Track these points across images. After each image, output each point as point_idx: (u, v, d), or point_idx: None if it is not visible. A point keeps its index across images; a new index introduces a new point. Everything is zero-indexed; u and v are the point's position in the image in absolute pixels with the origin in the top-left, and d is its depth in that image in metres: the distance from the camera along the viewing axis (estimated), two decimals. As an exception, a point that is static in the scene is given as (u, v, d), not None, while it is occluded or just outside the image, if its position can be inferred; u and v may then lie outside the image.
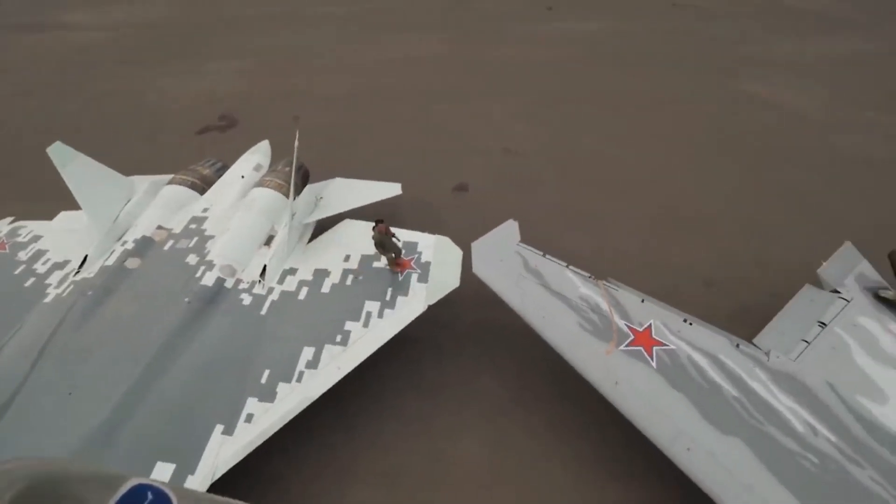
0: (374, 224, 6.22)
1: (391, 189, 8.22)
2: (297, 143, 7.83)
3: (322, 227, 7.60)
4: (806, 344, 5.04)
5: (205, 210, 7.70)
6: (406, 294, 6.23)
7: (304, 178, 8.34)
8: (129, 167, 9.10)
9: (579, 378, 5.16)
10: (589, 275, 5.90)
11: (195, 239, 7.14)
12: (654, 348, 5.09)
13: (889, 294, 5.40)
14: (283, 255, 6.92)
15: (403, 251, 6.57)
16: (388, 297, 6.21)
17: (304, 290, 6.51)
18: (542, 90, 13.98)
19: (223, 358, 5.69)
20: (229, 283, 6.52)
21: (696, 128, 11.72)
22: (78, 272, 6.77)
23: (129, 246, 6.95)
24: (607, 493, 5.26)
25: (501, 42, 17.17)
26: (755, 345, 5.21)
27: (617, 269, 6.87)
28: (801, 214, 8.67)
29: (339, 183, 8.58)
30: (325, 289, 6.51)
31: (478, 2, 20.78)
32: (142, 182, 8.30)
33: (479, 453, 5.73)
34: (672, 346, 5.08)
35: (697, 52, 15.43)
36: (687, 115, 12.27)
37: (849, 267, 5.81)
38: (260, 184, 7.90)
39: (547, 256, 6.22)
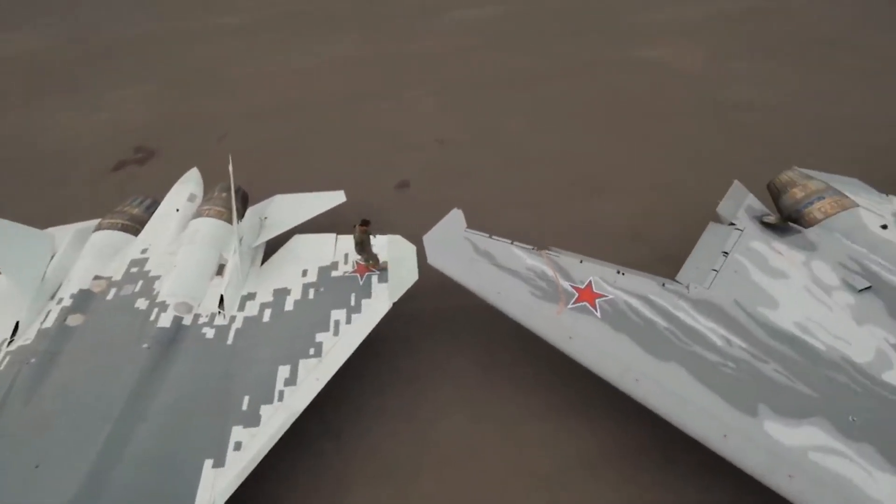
0: (358, 224, 6.44)
1: (335, 198, 8.35)
2: (231, 166, 7.71)
3: (272, 246, 7.60)
4: (715, 272, 6.00)
5: (144, 251, 7.41)
6: (370, 296, 6.50)
7: (243, 201, 8.23)
8: (40, 219, 8.45)
9: (539, 340, 5.77)
10: (532, 247, 6.50)
11: (140, 282, 6.90)
12: (597, 300, 5.81)
13: (771, 219, 6.53)
14: (239, 282, 6.89)
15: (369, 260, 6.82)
16: (353, 303, 6.44)
17: (268, 312, 6.57)
18: (460, 78, 14.46)
19: (198, 394, 5.67)
20: (188, 320, 6.42)
21: (597, 96, 12.78)
22: (11, 342, 6.31)
23: (67, 303, 6.58)
24: (581, 434, 5.98)
25: (413, 36, 17.38)
26: (677, 281, 6.09)
27: (555, 236, 7.58)
28: (698, 161, 9.92)
29: (280, 200, 8.56)
30: (289, 306, 6.61)
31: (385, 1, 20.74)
32: (63, 233, 7.77)
33: (463, 430, 6.21)
34: (611, 296, 5.82)
35: (588, 24, 16.61)
36: (588, 84, 13.30)
37: (739, 202, 6.89)
38: (199, 214, 7.70)
39: (493, 237, 6.74)
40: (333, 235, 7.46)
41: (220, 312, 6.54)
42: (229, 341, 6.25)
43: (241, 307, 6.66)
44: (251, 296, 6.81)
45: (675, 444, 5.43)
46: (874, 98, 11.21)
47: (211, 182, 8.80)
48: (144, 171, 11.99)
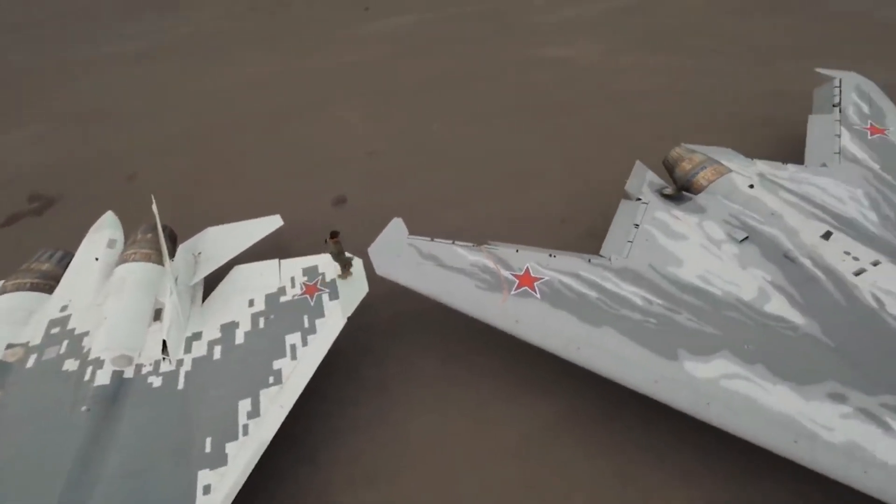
0: (329, 238, 6.39)
1: (271, 223, 8.24)
2: (154, 205, 7.33)
3: (212, 282, 7.35)
4: (630, 243, 6.85)
5: (63, 308, 6.84)
6: (323, 315, 6.56)
7: (172, 240, 7.86)
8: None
9: (490, 329, 6.24)
10: (472, 244, 6.95)
11: (65, 342, 6.38)
12: (535, 284, 6.40)
13: (668, 191, 7.56)
14: (181, 324, 6.62)
15: (319, 277, 6.87)
16: (306, 325, 6.47)
17: (218, 349, 6.40)
18: (381, 88, 14.71)
19: (154, 446, 5.42)
20: (129, 373, 6.08)
21: (512, 94, 13.68)
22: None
23: (-23, 380, 5.92)
24: (540, 406, 6.54)
25: (329, 49, 17.34)
26: (601, 255, 6.86)
27: (492, 230, 8.14)
28: (607, 146, 11.05)
29: (212, 233, 8.26)
30: (240, 339, 6.48)
31: (291, 13, 20.38)
32: (-44, 306, 6.92)
33: (434, 424, 6.51)
34: (547, 278, 6.43)
35: (495, 28, 17.65)
36: (502, 84, 14.19)
37: (642, 179, 7.86)
38: (123, 260, 7.24)
39: (435, 240, 7.10)
40: (276, 261, 7.39)
41: (164, 358, 6.26)
42: (180, 386, 6.01)
43: (188, 349, 6.41)
44: (197, 335, 6.57)
45: (618, 399, 6.20)
46: (738, 76, 13.15)
47: (128, 225, 8.27)
48: (44, 221, 10.86)
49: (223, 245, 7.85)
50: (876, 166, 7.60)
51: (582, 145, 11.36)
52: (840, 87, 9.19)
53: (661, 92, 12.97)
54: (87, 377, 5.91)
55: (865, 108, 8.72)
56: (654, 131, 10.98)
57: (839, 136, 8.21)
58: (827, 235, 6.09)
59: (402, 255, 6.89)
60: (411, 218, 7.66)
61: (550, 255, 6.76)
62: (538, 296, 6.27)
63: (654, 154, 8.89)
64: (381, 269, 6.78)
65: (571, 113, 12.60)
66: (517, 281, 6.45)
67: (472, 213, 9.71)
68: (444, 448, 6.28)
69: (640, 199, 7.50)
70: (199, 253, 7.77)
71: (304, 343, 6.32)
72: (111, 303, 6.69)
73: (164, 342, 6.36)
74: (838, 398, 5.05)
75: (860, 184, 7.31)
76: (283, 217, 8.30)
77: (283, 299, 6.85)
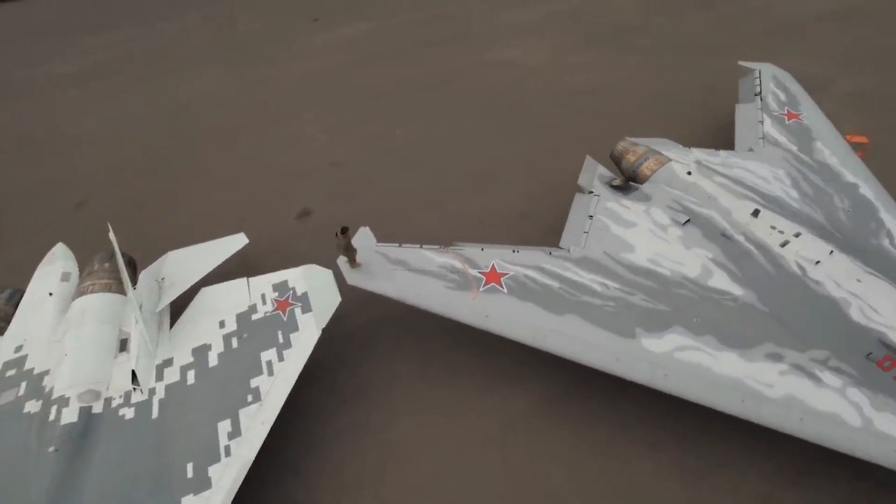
0: (339, 231, 6.44)
1: (235, 242, 8.14)
2: (112, 233, 7.12)
3: (179, 307, 7.21)
4: (586, 234, 7.31)
5: (18, 348, 6.53)
6: (297, 329, 6.60)
7: (132, 267, 7.64)
8: None
9: (462, 326, 6.50)
10: (439, 246, 7.19)
11: (23, 384, 6.11)
12: (502, 279, 6.72)
13: (617, 182, 8.10)
14: (150, 352, 6.47)
15: (290, 291, 6.91)
16: (281, 340, 6.50)
17: (191, 374, 6.31)
18: (339, 98, 14.75)
19: (130, 481, 5.30)
20: (98, 407, 5.90)
21: (467, 97, 14.10)
22: None
23: (-71, 432, 5.58)
24: (515, 396, 6.86)
25: (282, 61, 17.17)
26: (561, 247, 7.28)
27: (457, 230, 8.43)
28: (560, 143, 11.61)
29: (175, 256, 8.07)
30: (213, 362, 6.42)
31: (239, 28, 19.99)
32: None
33: (415, 424, 6.70)
34: (512, 273, 6.77)
35: (448, 34, 18.07)
36: (458, 88, 14.59)
37: (593, 172, 8.39)
38: (81, 293, 6.98)
39: (403, 246, 7.28)
40: (244, 280, 7.34)
41: (135, 389, 6.11)
42: (154, 415, 5.89)
43: (160, 376, 6.28)
44: (168, 362, 6.44)
45: (587, 380, 6.61)
46: (673, 71, 14.12)
47: (81, 256, 7.97)
48: (-16, 258, 10.19)
49: (187, 268, 7.70)
50: (794, 148, 8.47)
51: (537, 143, 11.87)
52: (760, 77, 10.13)
53: (605, 89, 13.74)
54: (52, 417, 5.69)
55: (782, 96, 9.67)
56: (602, 126, 11.62)
57: (762, 122, 9.07)
58: (756, 213, 6.77)
59: (371, 262, 7.03)
60: (378, 225, 7.82)
61: (514, 251, 7.11)
62: (505, 290, 6.60)
63: (603, 148, 9.45)
64: (352, 279, 6.90)
65: (525, 112, 13.13)
66: (484, 278, 6.75)
67: (438, 216, 9.96)
68: (427, 447, 6.47)
69: (592, 192, 7.99)
70: (163, 278, 7.59)
71: (281, 358, 6.34)
72: (71, 338, 6.44)
73: (134, 372, 6.20)
74: (775, 357, 5.65)
75: (782, 164, 8.13)
76: (247, 234, 8.23)
77: (254, 317, 6.83)
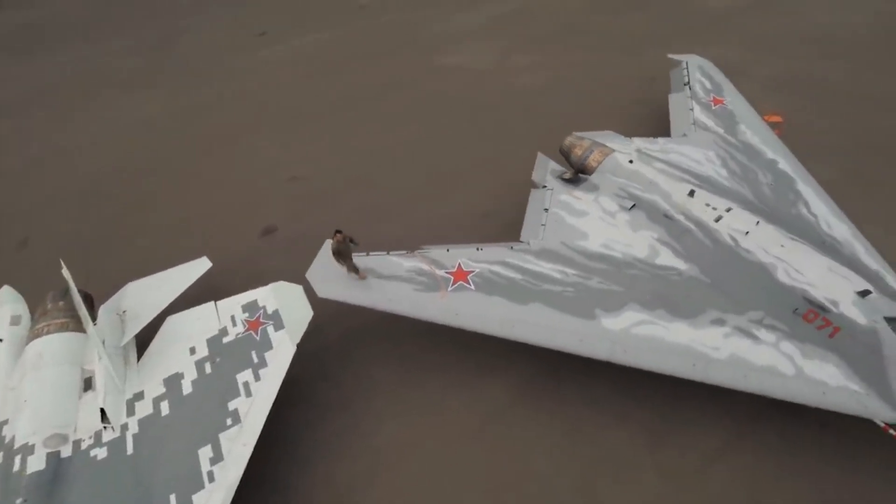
0: (333, 234, 6.48)
1: (199, 266, 8.03)
2: (65, 270, 6.86)
3: (143, 338, 7.04)
4: (543, 226, 7.75)
5: (-30, 401, 6.18)
6: (271, 347, 6.63)
7: (89, 302, 7.37)
8: None
9: (435, 326, 6.74)
10: (406, 251, 7.41)
11: (-19, 437, 5.80)
12: (468, 277, 7.02)
13: (567, 175, 8.62)
14: (118, 388, 6.31)
15: (261, 310, 6.90)
16: (256, 360, 6.50)
17: (165, 404, 6.21)
18: (294, 111, 14.65)
19: (110, 519, 5.20)
20: (67, 451, 5.71)
21: (422, 102, 14.38)
22: None
23: None
24: (492, 387, 7.16)
25: (230, 78, 16.80)
26: (521, 241, 7.67)
27: (423, 234, 8.64)
28: (513, 142, 12.08)
29: (135, 287, 7.86)
30: (187, 389, 6.34)
31: (181, 47, 19.37)
32: None
33: (399, 427, 6.87)
34: (478, 270, 7.09)
35: (397, 42, 18.29)
36: (412, 94, 14.85)
37: (545, 168, 8.87)
38: (35, 335, 6.69)
39: (370, 254, 7.45)
40: (212, 304, 7.27)
41: (106, 427, 5.94)
42: (129, 451, 5.77)
43: (131, 411, 6.14)
44: (139, 395, 6.31)
45: (557, 364, 7.02)
46: (613, 66, 14.97)
47: (30, 297, 7.61)
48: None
49: (150, 298, 7.52)
50: (721, 131, 9.28)
51: (491, 143, 12.29)
52: (687, 68, 11.00)
53: (552, 87, 14.38)
54: (16, 467, 5.46)
55: (707, 84, 10.55)
56: (551, 123, 12.18)
57: (692, 109, 9.87)
58: (692, 193, 7.41)
59: (339, 274, 7.14)
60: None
61: (478, 249, 7.43)
62: (472, 287, 6.90)
63: (553, 143, 9.96)
64: (322, 292, 6.99)
65: (478, 114, 13.54)
66: (452, 278, 7.02)
67: (403, 222, 10.15)
68: (414, 447, 6.65)
69: (545, 187, 8.45)
70: (125, 311, 7.38)
71: (257, 378, 6.35)
72: (29, 383, 6.18)
73: (103, 410, 6.03)
74: (719, 322, 6.25)
75: (712, 147, 8.91)
76: (210, 257, 8.13)
77: (226, 340, 6.78)
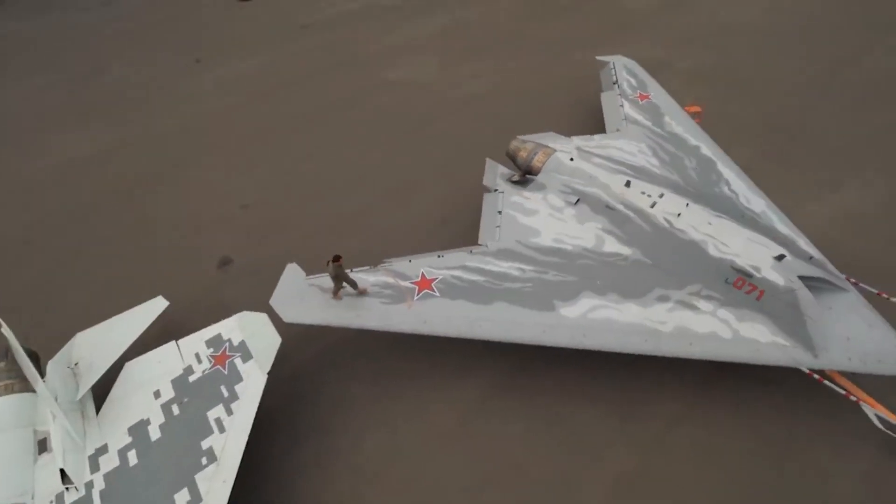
0: (330, 260, 6.55)
1: (154, 306, 7.75)
2: (4, 327, 6.43)
3: (101, 389, 6.71)
4: (498, 228, 8.13)
5: None
6: (241, 379, 6.53)
7: (34, 359, 6.93)
8: None
9: (405, 336, 6.90)
10: (368, 266, 7.53)
11: (-76, 521, 5.33)
12: (433, 284, 7.24)
13: (516, 177, 9.09)
14: (78, 445, 5.99)
15: (226, 344, 6.80)
16: (226, 394, 6.38)
17: (132, 454, 5.96)
18: (238, 138, 14.36)
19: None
20: (27, 519, 5.36)
21: (370, 119, 14.53)
22: None
23: None
24: (465, 389, 7.39)
25: (169, 107, 16.21)
26: (480, 244, 8.00)
27: (384, 246, 8.80)
28: (463, 149, 12.51)
29: (85, 337, 7.46)
30: (155, 435, 6.12)
31: (111, 78, 18.48)
32: None
33: (384, 439, 6.94)
34: (441, 276, 7.33)
35: (337, 60, 18.39)
36: (358, 112, 15.00)
37: (494, 172, 9.30)
38: (-24, 401, 6.22)
39: (333, 274, 7.50)
40: (172, 343, 7.06)
41: (68, 488, 5.63)
42: (98, 508, 5.50)
43: (95, 467, 5.85)
44: (102, 449, 6.01)
45: (527, 357, 7.38)
46: (549, 70, 15.84)
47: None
48: None
49: (104, 346, 7.17)
50: (649, 124, 10.11)
51: (441, 152, 12.66)
52: (614, 68, 11.88)
53: (493, 94, 15.01)
54: (-29, 545, 5.07)
55: (633, 82, 11.45)
56: (496, 128, 12.74)
57: (622, 106, 10.68)
58: (628, 184, 8.04)
59: (304, 297, 7.16)
60: (305, 259, 7.95)
61: (439, 256, 7.67)
62: (437, 294, 7.12)
63: (500, 148, 10.45)
64: (289, 317, 6.97)
65: (425, 125, 13.90)
66: (417, 287, 7.22)
67: (362, 238, 10.25)
68: (397, 456, 6.75)
69: (497, 190, 8.86)
70: (76, 363, 7.00)
71: (230, 412, 6.23)
72: (-25, 453, 5.74)
73: (62, 471, 5.70)
74: (663, 298, 6.83)
75: (643, 139, 9.69)
76: (166, 295, 7.87)
77: (192, 378, 6.61)
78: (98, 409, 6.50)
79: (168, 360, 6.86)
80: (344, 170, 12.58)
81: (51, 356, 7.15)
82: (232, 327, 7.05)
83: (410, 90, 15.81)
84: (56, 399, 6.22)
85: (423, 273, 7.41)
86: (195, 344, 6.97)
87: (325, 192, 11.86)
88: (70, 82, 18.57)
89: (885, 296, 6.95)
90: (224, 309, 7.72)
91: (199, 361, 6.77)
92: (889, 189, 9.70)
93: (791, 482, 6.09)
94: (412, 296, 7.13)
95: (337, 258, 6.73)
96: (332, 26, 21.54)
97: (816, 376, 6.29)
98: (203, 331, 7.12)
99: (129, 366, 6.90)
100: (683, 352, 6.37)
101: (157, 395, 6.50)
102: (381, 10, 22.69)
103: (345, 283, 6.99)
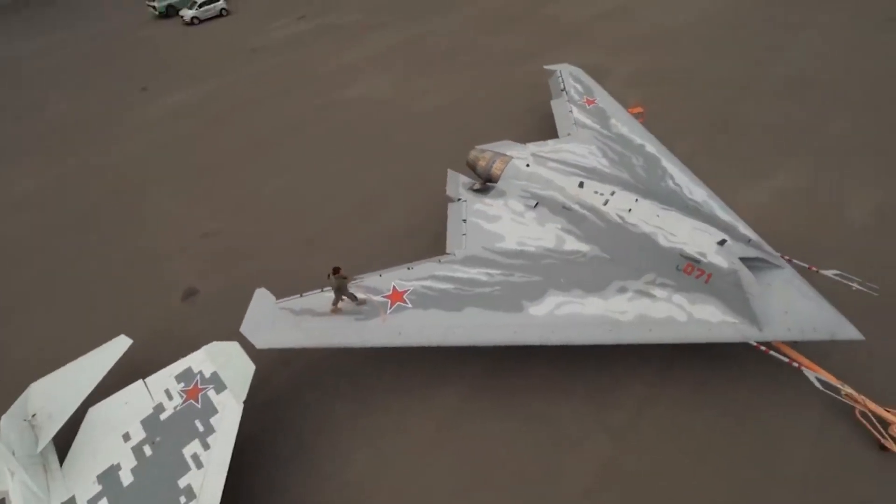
0: (331, 273, 6.67)
1: (117, 346, 7.48)
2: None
3: (64, 439, 6.39)
4: (464, 236, 8.38)
5: None
6: (216, 411, 6.39)
7: (-15, 416, 6.52)
8: None
9: (383, 351, 6.97)
10: (339, 285, 7.57)
11: None
12: (405, 296, 7.37)
13: (477, 185, 9.42)
14: (41, 499, 5.67)
15: (198, 377, 6.66)
16: (202, 428, 6.24)
17: (104, 502, 5.71)
18: (193, 165, 14.07)
19: None
20: (-10, 587, 5.02)
21: (331, 137, 14.64)
22: None
23: None
24: (445, 395, 7.52)
25: (115, 138, 15.66)
26: (448, 253, 8.21)
27: (354, 261, 8.84)
28: (427, 159, 12.77)
29: (41, 387, 7.10)
30: (127, 480, 5.89)
31: (50, 112, 17.64)
32: None
33: (368, 456, 6.94)
34: (411, 288, 7.47)
35: (294, 81, 18.40)
36: (319, 131, 15.08)
37: (456, 182, 9.59)
38: (-78, 468, 5.78)
39: (304, 295, 7.49)
40: (139, 382, 6.83)
41: (34, 547, 5.33)
42: (70, 564, 5.23)
43: (63, 521, 5.56)
44: (69, 502, 5.72)
45: (500, 359, 7.60)
46: (502, 80, 16.44)
47: None
48: None
49: (62, 393, 6.84)
50: (597, 126, 10.73)
51: (404, 165, 12.86)
52: (561, 76, 12.53)
53: (450, 106, 15.43)
54: None
55: (580, 88, 12.12)
56: (455, 139, 13.09)
57: (571, 111, 11.28)
58: (581, 185, 8.51)
59: (276, 321, 7.11)
60: (274, 283, 7.90)
61: (409, 268, 7.82)
62: (410, 305, 7.26)
63: (461, 158, 10.77)
64: (261, 343, 6.90)
65: (385, 140, 14.09)
66: (389, 300, 7.33)
67: (330, 256, 10.19)
68: (384, 469, 6.77)
69: (460, 199, 9.14)
70: (34, 415, 6.63)
71: (206, 447, 6.09)
72: (-75, 524, 5.34)
73: (27, 530, 5.40)
74: (622, 290, 7.25)
75: (592, 141, 10.26)
76: (129, 333, 7.61)
77: (164, 416, 6.41)
78: (62, 460, 6.18)
79: (136, 399, 6.63)
80: (307, 190, 12.55)
81: (4, 411, 6.77)
82: (202, 359, 6.91)
83: (368, 106, 16.01)
84: (14, 454, 5.88)
85: (394, 286, 7.52)
86: (164, 380, 6.78)
87: (289, 213, 11.78)
88: (6, 119, 17.61)
89: (814, 269, 7.66)
90: (192, 341, 7.53)
91: (170, 398, 6.58)
92: (812, 173, 10.70)
93: (751, 444, 6.58)
94: (385, 309, 7.23)
95: (337, 270, 6.86)
96: (283, 48, 21.53)
97: (763, 348, 6.84)
98: (172, 366, 6.94)
99: (93, 411, 6.62)
100: (644, 338, 6.78)
101: (126, 437, 6.26)
102: (333, 30, 22.91)
103: (343, 297, 7.08)
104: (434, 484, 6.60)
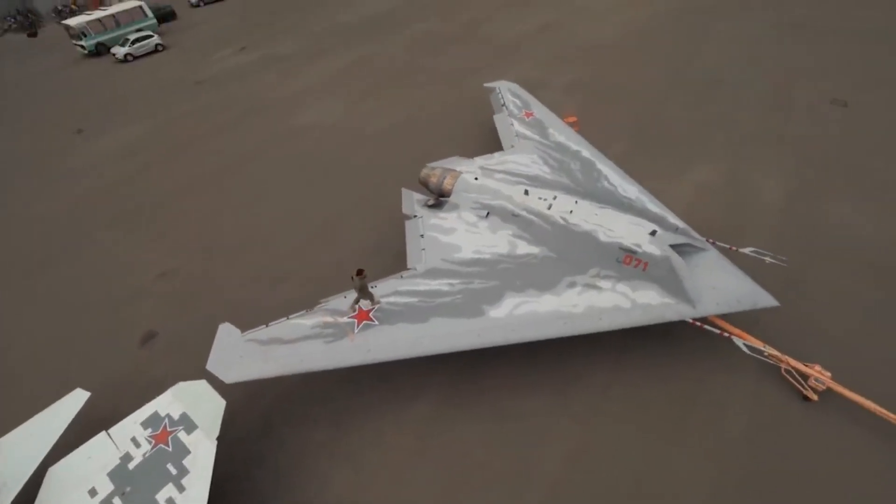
0: (354, 274, 6.95)
1: (74, 400, 7.20)
2: None
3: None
4: (423, 250, 8.76)
5: None
6: (189, 451, 6.32)
7: (-69, 493, 6.09)
8: None
9: (356, 369, 7.14)
10: (304, 311, 7.70)
11: None
12: (370, 314, 7.61)
13: (431, 201, 9.87)
14: (4, 571, 5.38)
15: (165, 420, 6.57)
16: (175, 471, 6.14)
17: (74, 563, 5.50)
18: (139, 206, 13.67)
19: None
20: None
21: (287, 164, 14.74)
22: None
23: None
24: (419, 407, 7.77)
25: (54, 183, 14.92)
26: (409, 268, 8.55)
27: (318, 286, 9.00)
28: (383, 179, 13.13)
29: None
30: (98, 537, 5.70)
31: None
32: None
33: (349, 476, 7.05)
34: (377, 305, 7.73)
35: (244, 109, 18.34)
36: (274, 159, 15.13)
37: (411, 200, 10.00)
38: None
39: (270, 324, 7.57)
40: (103, 434, 6.62)
41: None
42: None
43: (30, 590, 5.29)
44: (35, 569, 5.46)
45: (470, 364, 7.97)
46: (447, 98, 17.19)
47: None
48: None
49: (17, 456, 6.51)
50: (537, 137, 11.55)
51: (361, 186, 13.17)
52: (500, 92, 13.37)
53: (399, 126, 15.95)
54: None
55: (518, 102, 12.98)
56: (407, 157, 13.58)
57: (513, 125, 12.07)
58: (526, 192, 9.17)
59: (244, 354, 7.13)
60: (237, 317, 7.93)
61: (373, 287, 8.08)
62: (377, 322, 7.51)
63: (415, 176, 11.22)
64: (230, 378, 6.89)
65: (340, 164, 14.36)
66: (356, 320, 7.54)
67: (295, 282, 10.31)
68: (363, 489, 6.89)
69: (416, 216, 9.54)
70: (-14, 483, 6.26)
71: (181, 489, 6.00)
72: None
73: None
74: (572, 285, 7.87)
75: (534, 151, 11.04)
76: (85, 385, 7.34)
77: (132, 465, 6.25)
78: (23, 527, 5.88)
79: (100, 452, 6.42)
80: (263, 220, 12.54)
81: (-50, 485, 6.34)
82: (169, 401, 6.80)
83: (319, 132, 16.24)
84: (-33, 529, 5.55)
85: (359, 305, 7.75)
86: (129, 428, 6.61)
87: (247, 245, 11.73)
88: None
89: (734, 248, 8.66)
90: (156, 385, 7.40)
91: (138, 445, 6.44)
92: (726, 165, 12.03)
93: (703, 409, 7.29)
94: (352, 329, 7.44)
95: (360, 272, 7.17)
96: (228, 80, 21.39)
97: (698, 323, 7.64)
98: (136, 413, 6.78)
99: (54, 470, 6.34)
100: (596, 326, 7.39)
101: (92, 493, 6.05)
102: (276, 59, 23.04)
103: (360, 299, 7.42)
104: (416, 495, 6.80)
